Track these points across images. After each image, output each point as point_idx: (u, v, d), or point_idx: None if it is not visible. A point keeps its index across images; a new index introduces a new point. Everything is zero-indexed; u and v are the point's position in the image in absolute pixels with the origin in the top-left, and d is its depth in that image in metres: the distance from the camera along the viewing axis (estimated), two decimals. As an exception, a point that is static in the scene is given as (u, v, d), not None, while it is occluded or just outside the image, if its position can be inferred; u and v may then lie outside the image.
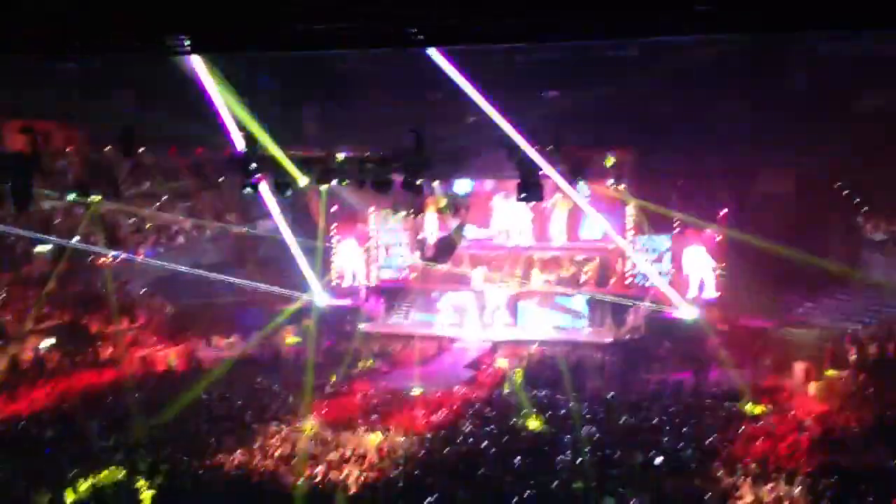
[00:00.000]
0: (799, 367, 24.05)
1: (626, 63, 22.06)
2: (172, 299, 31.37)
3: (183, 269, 31.99)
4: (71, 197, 30.07)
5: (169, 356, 26.87)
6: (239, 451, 16.16)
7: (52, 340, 26.11)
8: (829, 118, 26.24)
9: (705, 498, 12.97)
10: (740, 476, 14.12)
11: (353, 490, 13.91)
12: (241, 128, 20.20)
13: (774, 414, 18.83)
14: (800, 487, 13.35)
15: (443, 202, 30.62)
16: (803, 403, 20.54)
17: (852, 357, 23.58)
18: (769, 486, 13.48)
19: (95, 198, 28.30)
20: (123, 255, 30.45)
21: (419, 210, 30.98)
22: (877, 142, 26.69)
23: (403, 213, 32.21)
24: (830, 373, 22.88)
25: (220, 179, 30.86)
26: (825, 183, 29.63)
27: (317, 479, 14.42)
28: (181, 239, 34.61)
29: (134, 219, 33.57)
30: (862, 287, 29.09)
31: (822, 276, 29.92)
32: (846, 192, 30.17)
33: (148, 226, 33.39)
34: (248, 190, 20.55)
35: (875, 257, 29.66)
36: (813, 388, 22.46)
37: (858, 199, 30.29)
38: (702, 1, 7.15)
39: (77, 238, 30.25)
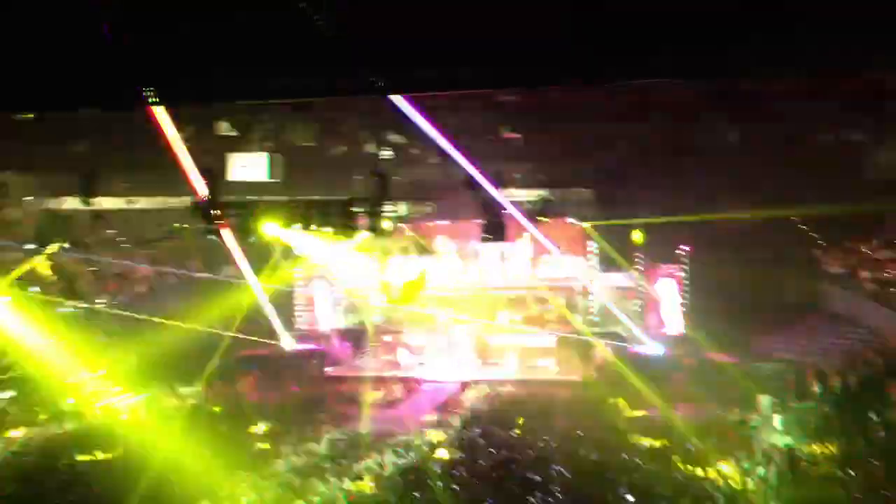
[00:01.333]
0: (764, 400, 24.22)
1: (587, 104, 22.35)
2: (134, 348, 30.89)
3: (145, 317, 31.69)
4: (30, 247, 29.83)
5: (131, 406, 26.38)
6: (206, 501, 15.90)
7: (12, 393, 25.56)
8: (787, 153, 26.81)
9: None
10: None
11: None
12: (203, 174, 20.16)
13: (741, 448, 18.91)
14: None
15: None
16: (770, 437, 20.66)
17: (815, 390, 23.82)
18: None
19: (53, 247, 28.06)
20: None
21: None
22: (833, 175, 27.29)
23: (369, 254, 32.17)
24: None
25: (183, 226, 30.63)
26: (783, 217, 30.14)
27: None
28: (143, 287, 34.27)
29: (94, 268, 33.24)
30: (822, 320, 29.54)
31: (784, 309, 30.42)
32: (803, 226, 30.75)
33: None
34: (212, 236, 20.47)
35: (834, 290, 30.17)
36: (777, 420, 22.62)
37: (815, 234, 30.89)
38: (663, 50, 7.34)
39: (36, 288, 29.87)
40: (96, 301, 32.10)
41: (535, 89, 17.40)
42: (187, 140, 21.60)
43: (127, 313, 31.57)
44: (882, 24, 6.82)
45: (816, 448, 18.37)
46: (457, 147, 21.87)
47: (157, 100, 8.93)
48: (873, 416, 19.64)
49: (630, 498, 14.95)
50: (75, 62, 7.93)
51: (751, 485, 15.85)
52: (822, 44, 7.10)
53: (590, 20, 7.38)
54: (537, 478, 16.44)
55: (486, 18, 7.28)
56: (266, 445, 20.17)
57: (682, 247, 30.54)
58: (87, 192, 21.30)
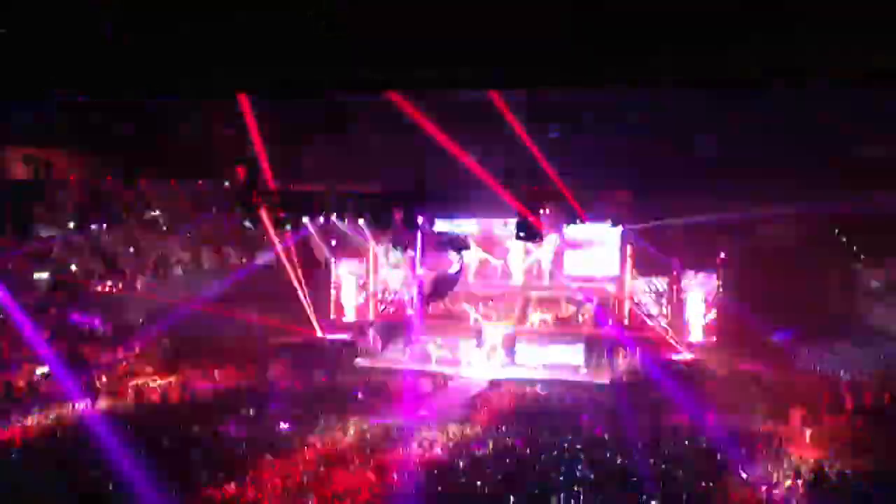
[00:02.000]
0: (796, 413, 23.98)
1: (627, 105, 22.17)
2: (169, 331, 31.33)
3: (180, 301, 32.13)
4: (71, 225, 30.26)
5: (163, 387, 26.71)
6: (232, 483, 16.07)
7: (46, 369, 25.99)
8: (830, 165, 26.41)
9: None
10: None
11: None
12: (242, 161, 20.34)
13: (770, 460, 18.72)
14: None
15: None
16: (799, 449, 20.47)
17: (849, 404, 23.53)
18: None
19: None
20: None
21: (423, 247, 30.99)
22: (875, 189, 26.86)
23: (402, 249, 32.20)
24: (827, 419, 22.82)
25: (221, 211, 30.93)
26: (824, 230, 29.77)
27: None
28: (179, 270, 34.66)
29: (133, 248, 33.67)
30: (858, 335, 29.13)
31: (820, 322, 30.02)
32: (844, 239, 30.32)
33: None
34: (248, 223, 20.66)
35: (872, 305, 29.73)
36: (809, 434, 22.39)
37: (856, 248, 30.45)
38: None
39: (74, 267, 30.38)
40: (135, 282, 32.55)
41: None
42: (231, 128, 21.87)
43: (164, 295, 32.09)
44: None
45: (847, 463, 18.14)
46: (497, 143, 21.88)
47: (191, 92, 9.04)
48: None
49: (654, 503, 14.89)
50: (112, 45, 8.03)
51: (777, 496, 15.69)
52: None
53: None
54: (560, 478, 16.42)
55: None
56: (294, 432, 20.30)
57: (719, 254, 30.25)
58: (129, 173, 21.54)
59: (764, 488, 16.12)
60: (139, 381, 26.87)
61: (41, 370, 25.89)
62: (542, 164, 23.34)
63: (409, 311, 34.33)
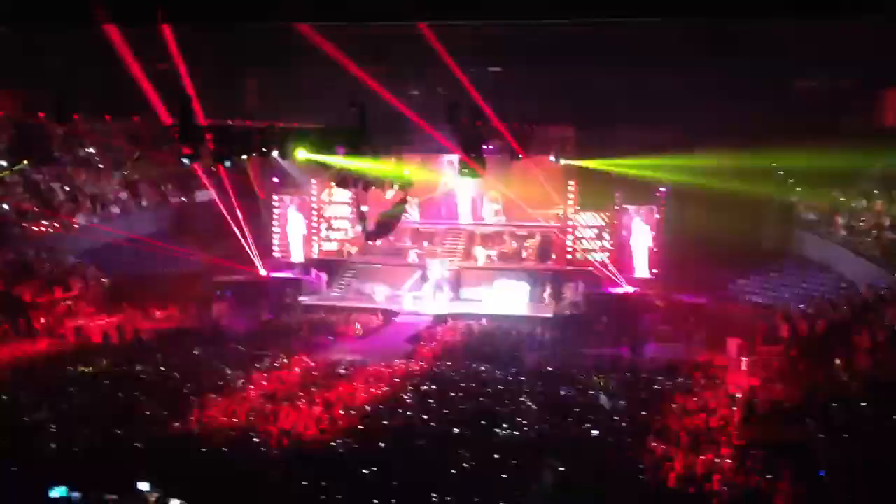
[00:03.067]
0: (732, 343, 24.59)
1: (570, 38, 22.05)
2: (108, 270, 30.81)
3: (119, 239, 31.61)
4: (2, 163, 29.37)
5: (104, 327, 26.32)
6: (176, 423, 15.99)
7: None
8: (766, 97, 26.75)
9: (639, 468, 13.23)
10: (673, 447, 14.41)
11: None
12: (180, 96, 19.81)
13: (707, 388, 19.22)
14: (730, 459, 13.70)
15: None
16: (735, 378, 21.04)
17: (784, 334, 24.16)
18: (701, 457, 13.79)
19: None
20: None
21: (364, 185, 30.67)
22: (812, 121, 27.34)
23: (345, 186, 31.88)
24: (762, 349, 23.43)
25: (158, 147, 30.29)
26: (760, 162, 30.23)
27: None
28: (116, 208, 34.02)
29: (68, 187, 32.91)
30: (794, 265, 29.89)
31: (756, 254, 30.71)
32: (780, 171, 30.88)
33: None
34: (186, 159, 20.26)
35: (808, 236, 30.47)
36: (745, 363, 23.01)
37: (792, 179, 31.05)
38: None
39: (6, 206, 29.61)
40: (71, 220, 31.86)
41: (521, 23, 17.09)
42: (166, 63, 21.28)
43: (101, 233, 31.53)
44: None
45: (780, 391, 18.69)
46: (438, 79, 21.69)
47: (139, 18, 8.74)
48: (837, 361, 19.98)
49: (594, 433, 15.21)
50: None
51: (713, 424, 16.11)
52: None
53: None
54: (505, 410, 16.67)
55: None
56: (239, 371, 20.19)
57: (658, 188, 30.56)
58: (62, 110, 20.86)
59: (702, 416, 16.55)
60: (79, 322, 26.40)
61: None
62: (484, 100, 23.24)
63: (353, 249, 34.25)
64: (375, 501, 11.79)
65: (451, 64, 21.32)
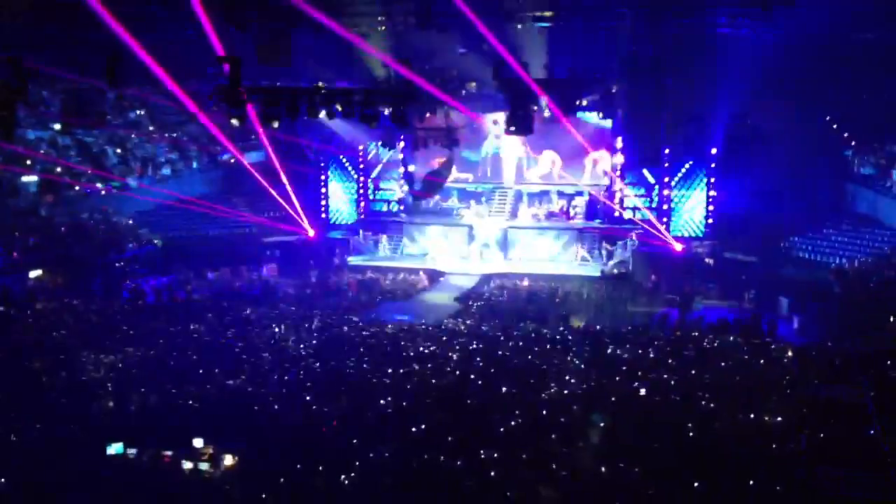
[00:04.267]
0: (783, 301, 24.33)
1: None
2: (160, 231, 31.37)
3: (170, 201, 32.08)
4: (56, 127, 29.88)
5: (157, 287, 26.83)
6: (231, 380, 16.29)
7: (39, 272, 26.05)
8: (826, 52, 26.08)
9: (688, 425, 13.20)
10: (721, 404, 14.33)
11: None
12: (228, 58, 19.92)
13: (757, 347, 19.05)
14: (779, 417, 13.60)
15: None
16: (787, 334, 20.83)
17: (837, 290, 23.84)
18: (750, 415, 13.72)
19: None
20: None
21: (413, 144, 30.62)
22: (866, 76, 26.63)
23: (391, 147, 31.91)
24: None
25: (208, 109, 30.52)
26: (814, 118, 29.61)
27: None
28: (167, 170, 34.47)
29: (120, 149, 33.40)
30: (848, 221, 29.32)
31: (810, 209, 30.16)
32: (835, 125, 30.19)
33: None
34: (235, 121, 20.43)
35: (861, 191, 29.83)
36: (796, 321, 22.77)
37: (847, 134, 30.34)
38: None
39: (60, 169, 30.15)
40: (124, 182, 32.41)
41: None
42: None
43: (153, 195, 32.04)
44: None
45: (833, 347, 18.48)
46: (483, 35, 21.48)
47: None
48: (892, 318, 19.68)
49: (643, 391, 15.18)
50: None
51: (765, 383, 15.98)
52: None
53: None
54: (550, 369, 16.70)
55: None
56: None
57: (709, 146, 30.09)
58: (113, 75, 21.09)
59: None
60: (132, 284, 26.94)
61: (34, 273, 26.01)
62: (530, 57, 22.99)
63: (401, 209, 34.38)
64: (426, 457, 11.93)
65: (496, 20, 21.13)
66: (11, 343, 18.80)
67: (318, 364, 17.30)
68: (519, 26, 22.34)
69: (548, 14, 22.00)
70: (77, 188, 30.66)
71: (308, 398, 14.99)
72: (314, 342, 19.42)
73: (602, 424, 13.11)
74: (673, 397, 14.94)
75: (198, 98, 25.32)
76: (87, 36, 23.47)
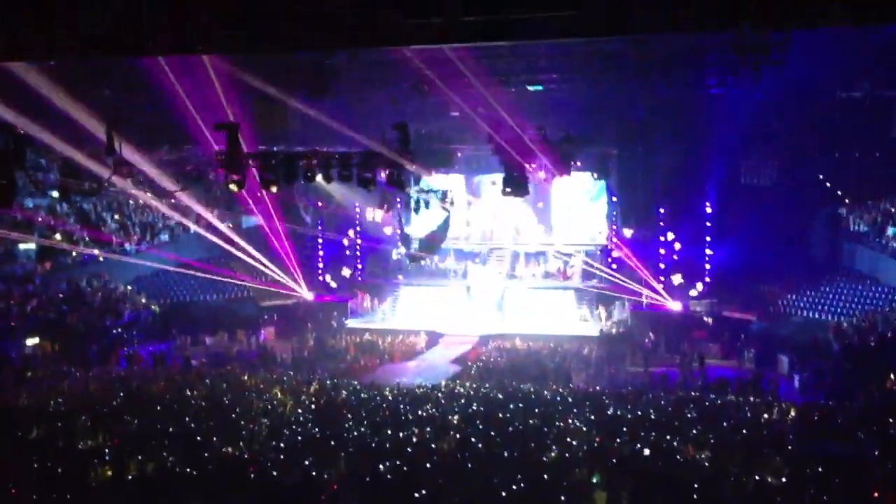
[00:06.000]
0: (783, 359, 24.28)
1: (612, 58, 21.98)
2: (157, 296, 31.34)
3: (168, 266, 32.09)
4: (54, 194, 29.98)
5: (154, 355, 26.73)
6: (229, 447, 16.12)
7: (37, 339, 25.93)
8: (815, 109, 26.41)
9: (692, 486, 13.05)
10: (724, 464, 14.20)
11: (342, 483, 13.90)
12: (227, 124, 20.11)
13: (759, 405, 18.94)
14: (783, 477, 13.47)
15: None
16: (788, 393, 20.73)
17: (836, 348, 23.78)
18: (755, 475, 13.58)
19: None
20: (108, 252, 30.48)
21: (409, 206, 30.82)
22: (856, 134, 26.93)
23: (389, 208, 32.14)
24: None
25: (205, 176, 30.72)
26: (806, 175, 29.86)
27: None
28: (165, 235, 34.55)
29: (118, 215, 33.50)
30: (844, 278, 29.36)
31: (807, 267, 30.24)
32: (828, 183, 30.43)
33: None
34: (234, 186, 20.55)
35: (857, 249, 29.94)
36: (797, 379, 22.69)
37: (840, 191, 30.57)
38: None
39: (59, 236, 30.18)
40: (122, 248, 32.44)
41: (557, 40, 16.97)
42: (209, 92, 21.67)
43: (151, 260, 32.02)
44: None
45: (835, 405, 18.38)
46: (478, 99, 21.74)
47: (186, 48, 8.97)
48: (892, 375, 19.62)
49: (646, 452, 15.04)
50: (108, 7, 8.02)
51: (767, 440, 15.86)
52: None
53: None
54: (551, 430, 16.56)
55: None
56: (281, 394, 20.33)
57: (702, 204, 30.30)
58: (110, 142, 21.24)
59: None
60: (129, 350, 26.84)
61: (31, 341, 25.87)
62: (525, 120, 23.27)
63: (398, 271, 34.47)
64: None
65: (490, 84, 21.41)
66: (8, 411, 18.62)
67: (316, 429, 17.15)
68: (513, 90, 22.63)
69: (540, 79, 22.24)
70: (75, 254, 30.67)
71: (307, 463, 14.82)
72: (312, 406, 19.27)
73: (604, 487, 12.95)
74: (675, 458, 14.80)
75: (197, 163, 25.59)
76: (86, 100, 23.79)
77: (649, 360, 25.83)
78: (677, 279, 30.36)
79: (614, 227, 31.61)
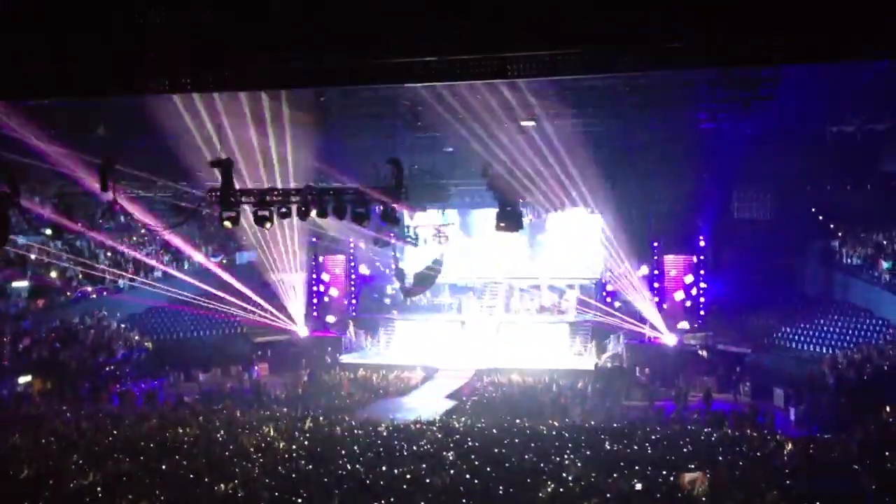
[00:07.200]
0: (779, 392, 24.21)
1: (603, 93, 22.15)
2: (151, 333, 31.21)
3: (162, 302, 31.97)
4: (48, 232, 29.93)
5: (147, 391, 26.58)
6: (222, 484, 15.97)
7: (29, 378, 25.78)
8: (806, 143, 26.60)
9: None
10: (720, 499, 14.10)
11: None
12: (220, 161, 20.14)
13: (755, 440, 18.86)
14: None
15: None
16: (784, 426, 20.65)
17: (831, 381, 23.73)
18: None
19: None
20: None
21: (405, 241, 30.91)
22: (847, 167, 27.11)
23: (383, 244, 32.13)
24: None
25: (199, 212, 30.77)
26: (798, 208, 30.01)
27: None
28: (159, 272, 34.46)
29: (111, 252, 33.43)
30: (838, 311, 29.37)
31: (801, 300, 30.28)
32: (820, 216, 30.57)
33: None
34: (228, 223, 20.53)
35: (851, 282, 30.00)
36: (792, 413, 22.62)
37: (832, 224, 30.70)
38: (673, 38, 7.36)
39: (54, 274, 30.11)
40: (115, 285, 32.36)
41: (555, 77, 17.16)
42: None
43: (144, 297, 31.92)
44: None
45: (831, 439, 18.30)
46: (472, 134, 21.87)
47: (189, 86, 9.04)
48: (888, 408, 19.55)
49: (638, 486, 14.94)
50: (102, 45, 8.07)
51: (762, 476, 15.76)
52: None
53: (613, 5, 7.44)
54: (547, 466, 16.46)
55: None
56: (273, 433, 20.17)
57: (699, 237, 30.38)
58: (105, 179, 21.25)
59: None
60: (122, 388, 26.68)
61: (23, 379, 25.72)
62: (519, 155, 23.41)
63: (393, 306, 34.41)
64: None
65: (484, 121, 21.57)
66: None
67: (310, 465, 17.01)
68: (505, 125, 22.76)
69: (534, 116, 22.39)
70: (68, 293, 30.58)
71: (300, 501, 14.69)
72: (306, 443, 19.12)
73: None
74: (672, 493, 14.70)
75: (191, 199, 25.63)
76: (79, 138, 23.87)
77: (645, 393, 25.77)
78: (673, 313, 30.37)
79: (609, 259, 31.61)
